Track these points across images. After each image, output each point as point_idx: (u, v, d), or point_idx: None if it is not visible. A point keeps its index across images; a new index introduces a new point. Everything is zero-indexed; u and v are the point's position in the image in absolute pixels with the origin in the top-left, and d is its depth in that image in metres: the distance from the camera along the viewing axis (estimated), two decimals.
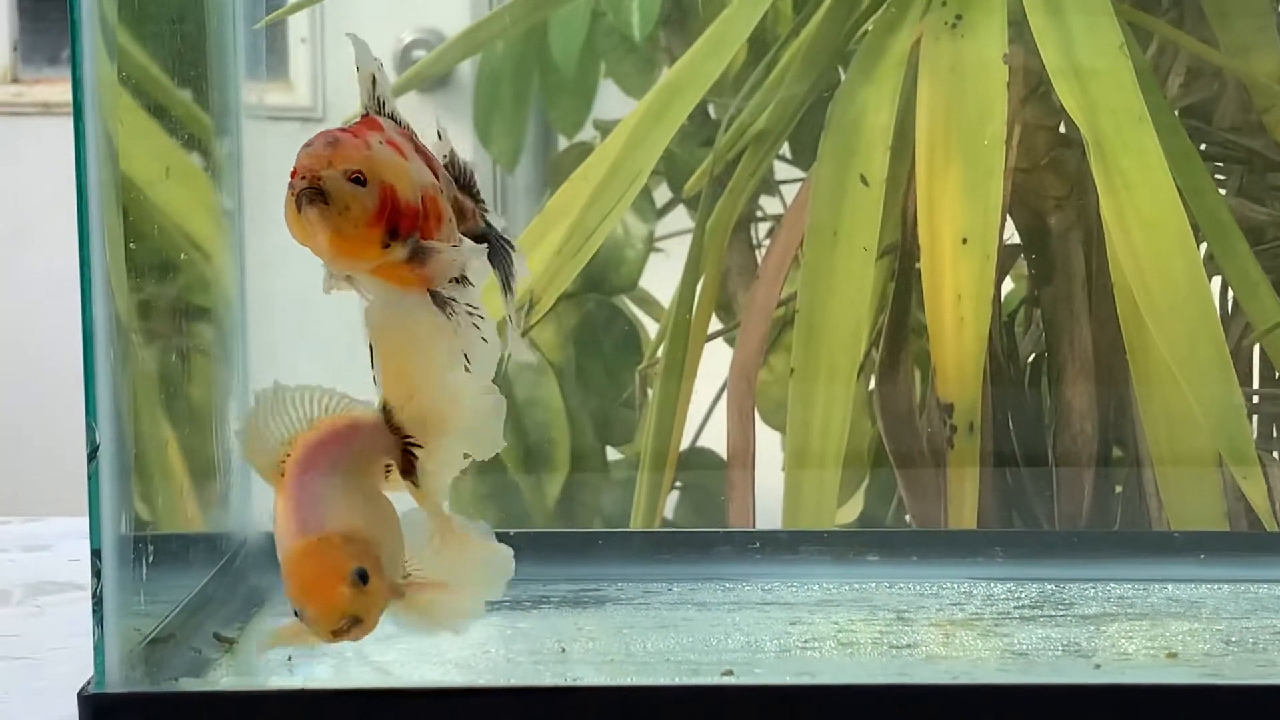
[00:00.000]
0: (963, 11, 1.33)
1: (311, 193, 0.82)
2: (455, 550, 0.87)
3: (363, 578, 0.81)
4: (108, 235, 0.92)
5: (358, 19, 1.69)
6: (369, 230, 0.82)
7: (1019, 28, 1.33)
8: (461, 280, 0.88)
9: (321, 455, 0.84)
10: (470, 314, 0.87)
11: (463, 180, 0.90)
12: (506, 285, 0.90)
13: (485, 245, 0.88)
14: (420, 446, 0.85)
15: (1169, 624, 1.04)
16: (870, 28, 1.40)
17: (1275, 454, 1.44)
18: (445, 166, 0.90)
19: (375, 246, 0.83)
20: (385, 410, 0.86)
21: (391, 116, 0.87)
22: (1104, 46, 1.31)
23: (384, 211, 0.82)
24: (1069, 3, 1.33)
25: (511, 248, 0.91)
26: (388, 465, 0.86)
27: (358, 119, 0.87)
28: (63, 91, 0.96)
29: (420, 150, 0.87)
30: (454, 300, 0.87)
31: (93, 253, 0.91)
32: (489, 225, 0.91)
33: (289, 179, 0.83)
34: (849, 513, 1.56)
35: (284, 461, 0.84)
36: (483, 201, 0.91)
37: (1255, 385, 1.45)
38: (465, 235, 0.89)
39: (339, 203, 0.81)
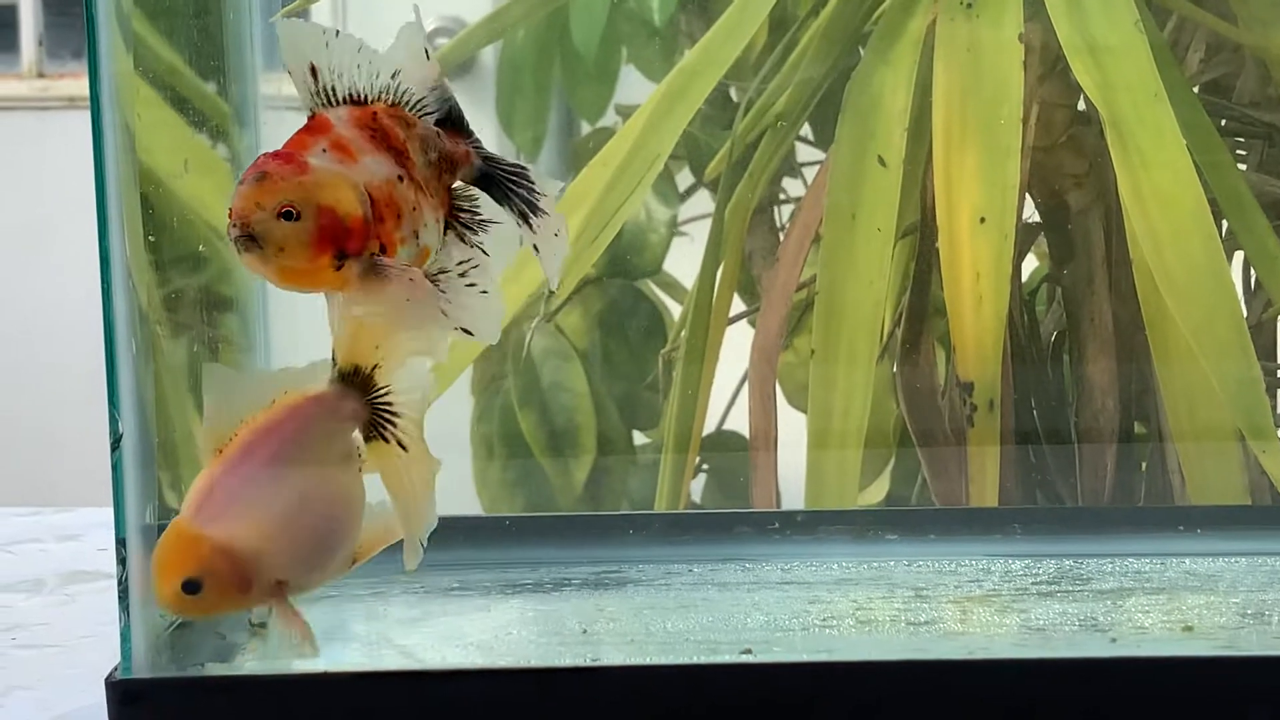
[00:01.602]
0: None
1: (244, 240, 0.81)
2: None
3: (190, 588, 0.82)
4: (128, 226, 0.93)
5: (379, 7, 1.70)
6: (312, 262, 0.82)
7: (1036, 6, 1.33)
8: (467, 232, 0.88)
9: (263, 444, 0.84)
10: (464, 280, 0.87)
11: (453, 117, 0.88)
12: (527, 214, 0.89)
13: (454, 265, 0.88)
14: (389, 395, 0.85)
15: (1186, 598, 1.05)
16: (886, 9, 1.40)
17: None
18: (435, 97, 0.88)
19: (326, 273, 0.82)
20: (346, 374, 0.86)
21: (352, 97, 0.86)
22: (1119, 24, 1.31)
23: (324, 239, 0.82)
24: None
25: (523, 171, 0.89)
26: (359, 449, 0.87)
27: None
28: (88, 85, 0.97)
29: (381, 132, 0.85)
30: (439, 286, 0.87)
31: (112, 244, 0.92)
32: (487, 159, 0.89)
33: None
34: (876, 493, 1.57)
35: (222, 448, 0.85)
36: (473, 137, 0.89)
37: None
38: (465, 181, 0.88)
39: (272, 245, 0.81)
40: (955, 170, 1.33)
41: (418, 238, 0.86)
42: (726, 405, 1.60)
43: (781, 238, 1.55)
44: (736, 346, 1.47)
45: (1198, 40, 1.44)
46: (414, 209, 0.85)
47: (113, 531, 0.93)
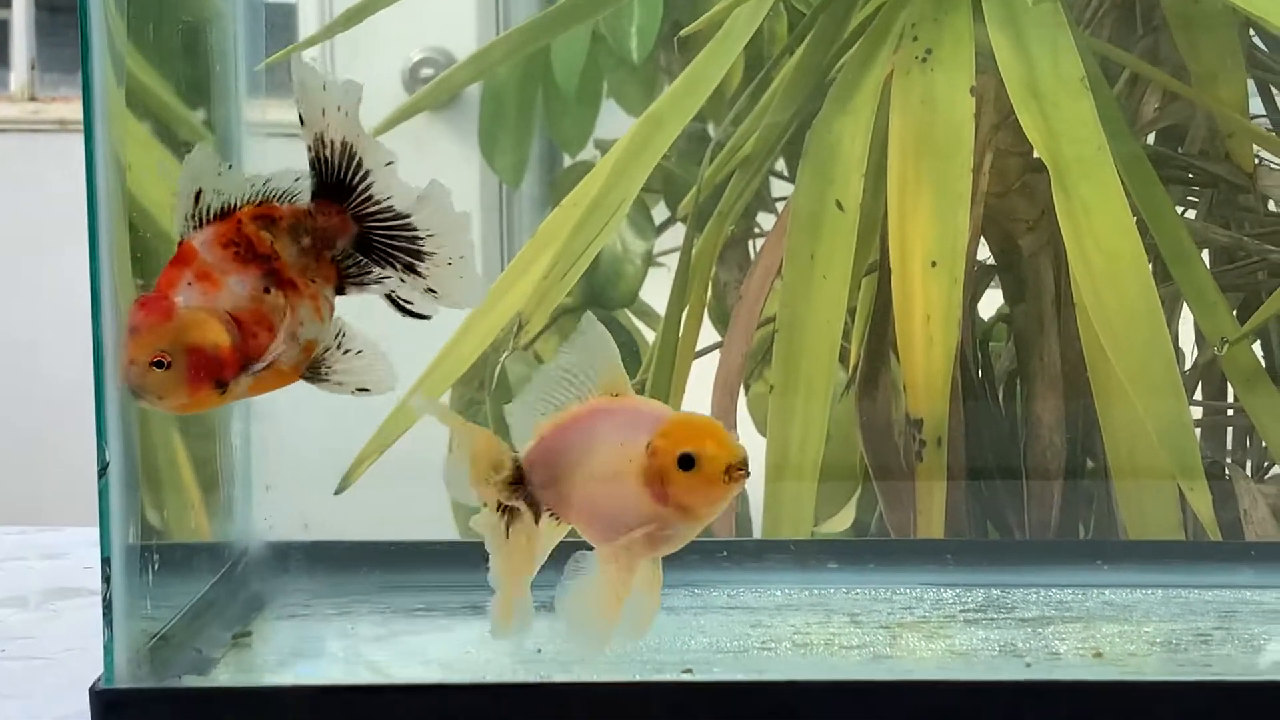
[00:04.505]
0: (933, 47, 1.39)
1: (132, 393, 0.90)
2: None
3: None
4: (115, 251, 0.98)
5: (366, 38, 1.76)
6: (193, 398, 0.89)
7: (990, 58, 1.39)
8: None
9: None
10: (344, 348, 0.94)
11: (338, 178, 0.91)
12: (413, 266, 0.92)
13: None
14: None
15: (1101, 626, 1.11)
16: (847, 60, 1.46)
17: (1246, 468, 1.50)
18: (314, 160, 0.91)
19: (212, 400, 0.90)
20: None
21: (222, 210, 0.91)
22: (1066, 81, 1.36)
23: (198, 376, 0.89)
24: (1034, 38, 1.38)
25: (401, 223, 0.92)
26: None
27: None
28: (79, 109, 1.01)
29: (245, 242, 0.91)
30: (325, 364, 0.93)
31: (101, 270, 0.97)
32: (364, 220, 0.92)
33: None
34: (842, 521, 1.61)
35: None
36: (360, 191, 0.92)
37: (1229, 399, 1.50)
38: (348, 247, 0.93)
39: (152, 393, 0.89)
40: (909, 216, 1.38)
41: (296, 339, 0.92)
42: None
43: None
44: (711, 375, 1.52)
45: (1153, 89, 1.50)
46: (285, 314, 0.92)
47: (96, 550, 0.98)
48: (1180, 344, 1.46)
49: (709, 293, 1.57)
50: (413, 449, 1.49)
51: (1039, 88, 1.37)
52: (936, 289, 1.37)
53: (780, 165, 1.58)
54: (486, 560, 0.98)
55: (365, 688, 0.98)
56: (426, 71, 1.85)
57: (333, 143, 0.91)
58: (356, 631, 1.12)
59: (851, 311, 1.48)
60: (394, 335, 1.19)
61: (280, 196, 0.93)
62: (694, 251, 1.52)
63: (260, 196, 0.92)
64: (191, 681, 0.99)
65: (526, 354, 1.74)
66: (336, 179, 0.92)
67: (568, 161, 1.77)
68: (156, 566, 1.02)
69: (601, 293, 1.73)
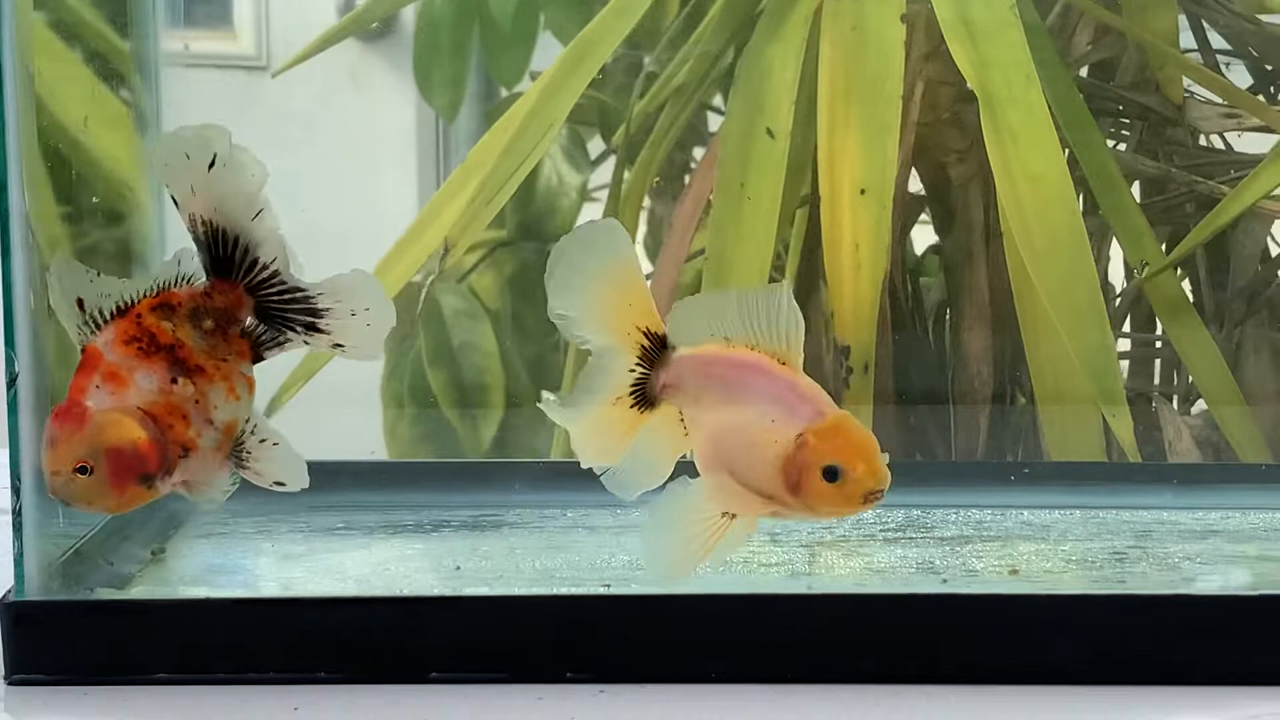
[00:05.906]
0: None
1: (62, 501, 0.90)
2: None
3: None
4: (28, 175, 0.97)
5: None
6: (121, 497, 0.90)
7: None
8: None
9: None
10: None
11: (220, 254, 0.91)
12: (313, 325, 0.92)
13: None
14: None
15: (1018, 545, 1.12)
16: None
17: (1173, 401, 1.51)
18: (198, 241, 0.91)
19: (141, 496, 0.91)
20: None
21: (119, 308, 0.91)
22: (995, 7, 1.36)
23: (121, 476, 0.90)
24: None
25: (293, 291, 0.92)
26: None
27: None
28: None
29: (147, 335, 0.91)
30: (245, 448, 0.93)
31: (11, 199, 0.96)
32: (255, 289, 0.93)
33: None
34: None
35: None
36: (245, 263, 0.92)
37: (1158, 331, 1.51)
38: (252, 318, 0.93)
39: (80, 500, 0.90)
40: (838, 144, 1.38)
41: (213, 423, 0.93)
42: None
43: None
44: None
45: (1085, 21, 1.49)
46: (196, 401, 0.92)
47: (7, 471, 0.98)
48: (1110, 280, 1.47)
49: (644, 226, 1.57)
50: (339, 374, 1.48)
51: (970, 16, 1.37)
52: (865, 216, 1.37)
53: (717, 101, 1.58)
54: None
55: (281, 600, 0.97)
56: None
57: (207, 222, 0.91)
58: (275, 549, 1.12)
59: (785, 245, 1.48)
60: (318, 269, 1.17)
61: (177, 281, 0.93)
62: (626, 178, 1.52)
63: (156, 288, 0.92)
64: (104, 594, 0.98)
65: (460, 286, 1.73)
66: (222, 255, 0.92)
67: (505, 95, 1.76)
68: None
69: (537, 226, 1.73)
